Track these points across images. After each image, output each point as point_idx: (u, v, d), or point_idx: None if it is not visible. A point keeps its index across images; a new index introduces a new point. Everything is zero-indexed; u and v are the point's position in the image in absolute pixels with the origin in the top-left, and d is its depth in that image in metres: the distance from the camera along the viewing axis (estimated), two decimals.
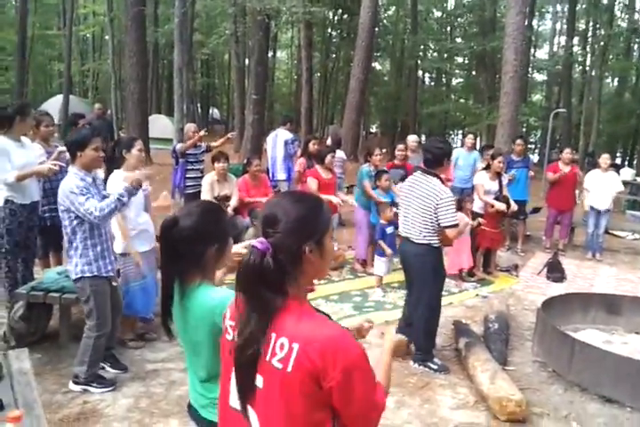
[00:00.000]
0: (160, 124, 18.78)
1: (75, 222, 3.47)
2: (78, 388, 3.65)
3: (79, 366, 3.65)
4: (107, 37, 31.39)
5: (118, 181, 3.94)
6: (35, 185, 4.71)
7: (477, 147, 13.27)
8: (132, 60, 12.92)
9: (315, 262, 1.38)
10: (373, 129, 42.64)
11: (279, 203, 1.41)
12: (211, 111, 35.15)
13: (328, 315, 1.43)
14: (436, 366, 4.29)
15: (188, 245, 1.77)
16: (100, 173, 4.75)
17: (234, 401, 1.42)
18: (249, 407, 1.37)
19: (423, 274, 4.24)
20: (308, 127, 18.98)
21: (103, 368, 3.88)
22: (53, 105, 19.41)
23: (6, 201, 4.50)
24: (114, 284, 3.76)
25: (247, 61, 23.12)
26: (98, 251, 3.56)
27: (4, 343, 4.08)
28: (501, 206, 6.65)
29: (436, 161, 4.22)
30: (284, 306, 1.33)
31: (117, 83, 17.66)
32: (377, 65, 31.86)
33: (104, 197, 3.58)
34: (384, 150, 7.38)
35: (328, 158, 6.36)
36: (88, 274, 3.54)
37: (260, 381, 1.34)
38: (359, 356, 1.31)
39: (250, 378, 1.34)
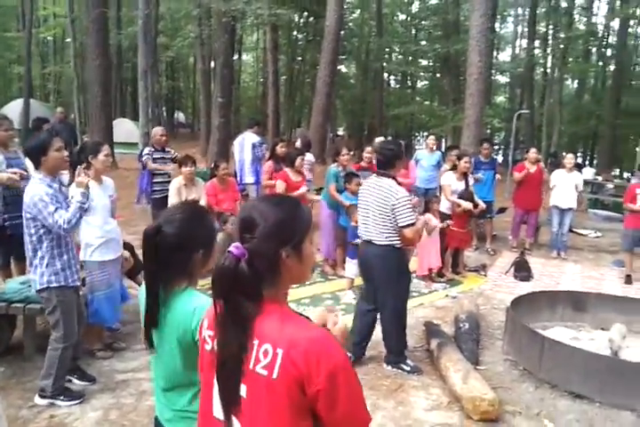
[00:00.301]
0: (124, 129, 18.49)
1: (41, 231, 3.36)
2: (44, 402, 3.54)
3: (45, 380, 3.54)
4: (68, 40, 30.88)
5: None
6: None
7: (442, 148, 13.43)
8: (95, 62, 12.68)
9: (293, 267, 1.35)
10: (340, 132, 42.82)
11: (256, 207, 1.38)
12: (176, 115, 34.80)
13: (308, 317, 1.41)
14: (408, 368, 4.30)
15: (173, 252, 1.73)
16: (66, 177, 4.65)
17: (217, 411, 1.38)
18: (233, 418, 1.33)
19: (387, 276, 4.23)
20: (275, 130, 18.95)
21: (70, 381, 3.77)
22: (13, 109, 18.91)
23: None
24: (80, 293, 3.66)
25: (212, 64, 23.01)
26: (65, 260, 3.46)
27: None
28: (468, 205, 6.73)
29: (388, 162, 4.24)
30: (261, 312, 1.30)
31: (80, 86, 17.31)
32: (343, 68, 32.01)
33: (68, 204, 3.48)
34: (351, 152, 7.38)
35: (298, 161, 6.35)
36: (55, 284, 3.43)
37: (243, 390, 1.30)
38: (343, 359, 1.28)
39: (235, 388, 1.30)
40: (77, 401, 3.58)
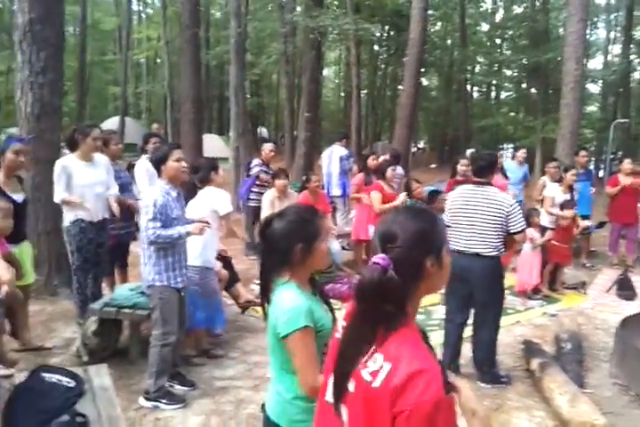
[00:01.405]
0: (212, 144, 19.14)
1: None
2: (149, 404, 3.66)
3: (148, 379, 3.69)
4: (158, 60, 32.54)
5: (206, 199, 4.05)
6: (102, 204, 4.80)
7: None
8: (187, 81, 13.21)
9: (433, 276, 1.37)
10: (421, 144, 42.39)
11: (396, 220, 1.40)
12: (259, 130, 35.68)
13: (432, 347, 1.39)
14: (505, 379, 4.20)
15: (276, 242, 1.87)
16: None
17: (329, 395, 1.44)
18: (342, 405, 1.38)
19: (491, 289, 4.12)
20: (357, 144, 18.99)
21: (172, 386, 3.88)
22: (110, 126, 20.08)
23: (76, 219, 4.62)
24: (182, 293, 3.77)
25: (297, 80, 23.49)
26: (169, 261, 3.62)
27: (77, 358, 4.15)
28: (569, 214, 6.44)
29: (486, 170, 4.16)
30: (399, 321, 1.31)
31: (172, 104, 18.15)
32: (424, 80, 31.77)
33: (181, 213, 3.66)
34: (433, 165, 7.24)
35: (389, 172, 6.28)
36: (158, 283, 3.61)
37: (352, 385, 1.34)
38: (433, 402, 1.20)
39: (344, 381, 1.35)
40: (180, 405, 3.68)
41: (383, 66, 31.88)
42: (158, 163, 3.63)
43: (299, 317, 1.77)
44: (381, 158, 7.96)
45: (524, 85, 29.64)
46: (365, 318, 1.33)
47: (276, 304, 1.84)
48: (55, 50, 5.73)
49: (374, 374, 1.27)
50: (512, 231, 3.99)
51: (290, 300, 1.82)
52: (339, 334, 1.47)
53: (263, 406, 1.98)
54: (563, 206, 6.57)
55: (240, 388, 3.98)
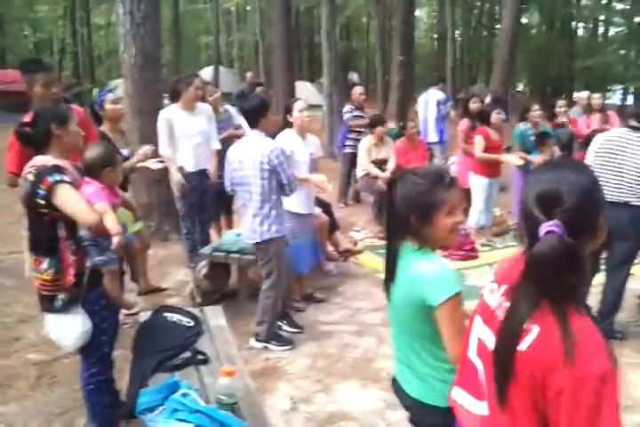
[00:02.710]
0: (304, 91, 19.04)
1: (273, 183, 3.60)
2: (259, 345, 3.83)
3: (260, 326, 3.84)
4: (248, 8, 32.37)
5: (289, 140, 4.12)
6: (203, 154, 4.89)
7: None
8: (278, 26, 13.10)
9: (600, 234, 1.26)
10: (520, 87, 40.08)
11: (557, 178, 1.24)
12: (349, 75, 35.08)
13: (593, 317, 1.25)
14: (620, 335, 4.05)
15: (394, 207, 1.73)
16: None
17: (472, 353, 1.41)
18: (478, 359, 1.36)
19: (636, 243, 3.91)
20: (453, 88, 18.23)
21: (280, 327, 4.03)
22: (204, 76, 20.38)
23: (178, 167, 4.76)
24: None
25: (387, 22, 22.62)
26: (281, 213, 3.75)
27: (191, 300, 4.39)
28: None
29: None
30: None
31: (263, 51, 18.13)
32: (524, 18, 29.63)
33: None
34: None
35: (494, 116, 5.90)
36: (277, 235, 3.69)
37: (491, 341, 1.30)
38: (600, 372, 1.11)
39: (512, 346, 1.22)
40: (288, 347, 3.82)
41: (479, 3, 29.99)
42: (256, 114, 3.68)
43: (451, 283, 1.66)
44: (487, 100, 7.58)
45: (637, 19, 26.98)
46: (539, 292, 1.19)
47: (414, 273, 1.69)
48: (153, 0, 5.80)
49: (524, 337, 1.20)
50: None
51: (435, 267, 1.69)
52: (489, 299, 1.39)
53: (394, 381, 1.91)
54: None
55: (344, 332, 4.06)
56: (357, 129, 7.39)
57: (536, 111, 6.14)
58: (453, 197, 1.71)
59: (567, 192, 1.19)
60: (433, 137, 8.13)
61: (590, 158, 4.00)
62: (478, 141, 5.71)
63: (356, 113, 7.51)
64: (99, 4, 27.44)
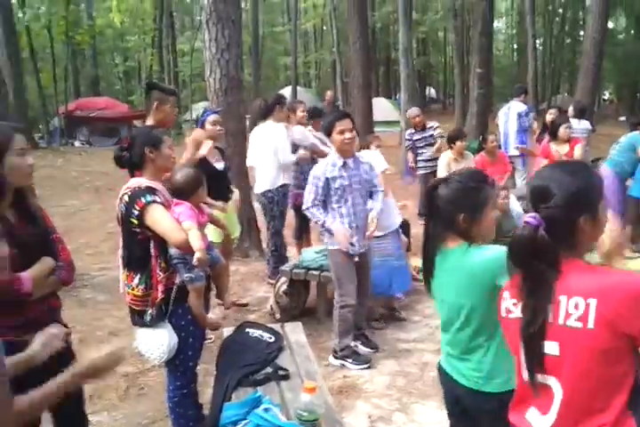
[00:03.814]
0: (381, 107, 19.12)
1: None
2: (337, 362, 3.84)
3: (335, 339, 3.86)
4: (324, 28, 32.98)
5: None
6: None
7: None
8: (355, 45, 13.22)
9: (589, 233, 1.39)
10: (607, 95, 38.31)
11: (551, 176, 1.42)
12: (427, 90, 34.85)
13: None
14: None
15: (440, 210, 1.86)
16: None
17: (526, 375, 1.44)
18: (550, 377, 1.39)
19: None
20: (535, 99, 17.72)
21: (356, 346, 4.01)
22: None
23: (282, 184, 4.97)
24: (355, 259, 3.77)
25: (465, 35, 22.38)
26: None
27: (270, 316, 4.48)
28: None
29: None
30: (560, 273, 1.35)
31: (341, 70, 18.37)
32: (610, 23, 28.38)
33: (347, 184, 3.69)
34: (623, 118, 6.40)
35: (561, 131, 5.75)
36: (330, 247, 3.74)
37: (554, 348, 1.35)
38: None
39: (539, 348, 1.37)
40: (365, 366, 3.80)
41: (561, 10, 29.06)
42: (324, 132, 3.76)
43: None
44: (570, 111, 7.34)
45: None
46: (531, 281, 1.38)
47: (479, 262, 1.77)
48: (236, 26, 6.05)
49: (583, 317, 1.29)
50: None
51: (493, 249, 1.78)
52: (513, 314, 1.48)
53: (443, 372, 1.99)
54: None
55: (423, 351, 4.01)
56: (424, 151, 7.48)
57: None
58: (495, 193, 1.92)
59: (555, 191, 1.37)
60: (514, 150, 7.93)
61: None
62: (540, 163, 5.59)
63: (417, 136, 7.60)
64: (183, 32, 28.90)
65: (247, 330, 2.93)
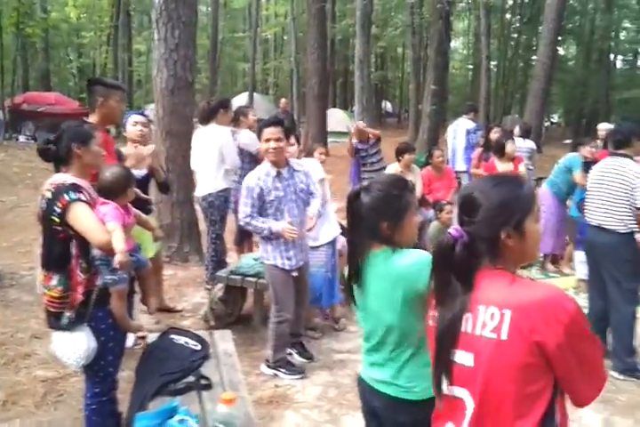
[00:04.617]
0: (336, 118, 19.22)
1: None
2: (269, 371, 3.76)
3: (269, 350, 3.77)
4: (285, 37, 33.08)
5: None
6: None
7: None
8: (313, 55, 13.29)
9: (514, 247, 1.35)
10: (555, 119, 39.72)
11: (477, 187, 1.41)
12: (383, 104, 35.28)
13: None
14: None
15: (362, 219, 1.83)
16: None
17: (444, 386, 1.42)
18: (463, 390, 1.36)
19: (620, 269, 3.85)
20: (486, 118, 18.17)
21: (291, 354, 3.95)
22: (239, 102, 20.78)
23: (225, 188, 4.87)
24: (293, 274, 3.68)
25: (423, 53, 22.80)
26: (275, 243, 3.58)
27: (205, 322, 4.36)
28: None
29: (622, 141, 3.91)
30: (473, 288, 1.34)
31: (298, 79, 18.40)
32: (561, 50, 29.52)
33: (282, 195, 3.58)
34: (568, 141, 6.68)
35: (509, 147, 5.91)
36: (266, 262, 3.65)
37: (469, 359, 1.33)
38: (575, 311, 1.27)
39: (448, 359, 1.36)
40: (298, 376, 3.74)
41: (515, 35, 30.02)
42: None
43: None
44: (516, 131, 7.52)
45: None
46: (444, 290, 1.38)
47: (400, 268, 1.76)
48: (188, 28, 5.95)
49: (497, 328, 1.27)
50: (637, 206, 3.70)
51: (415, 254, 1.79)
52: (432, 323, 1.47)
53: (365, 384, 1.95)
54: None
55: (357, 362, 3.94)
56: (369, 161, 6.90)
57: (592, 148, 6.06)
58: (415, 199, 1.93)
59: (480, 201, 1.37)
60: (461, 166, 8.08)
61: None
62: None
63: (361, 146, 6.84)
64: (140, 31, 28.42)
65: (172, 336, 2.82)
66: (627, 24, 27.38)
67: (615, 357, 3.91)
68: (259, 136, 3.62)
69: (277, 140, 3.46)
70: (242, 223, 3.59)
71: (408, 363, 1.82)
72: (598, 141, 6.55)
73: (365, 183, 1.90)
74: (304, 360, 3.97)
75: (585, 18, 28.31)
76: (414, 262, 1.76)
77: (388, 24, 23.66)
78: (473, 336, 1.31)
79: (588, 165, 5.82)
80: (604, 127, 7.50)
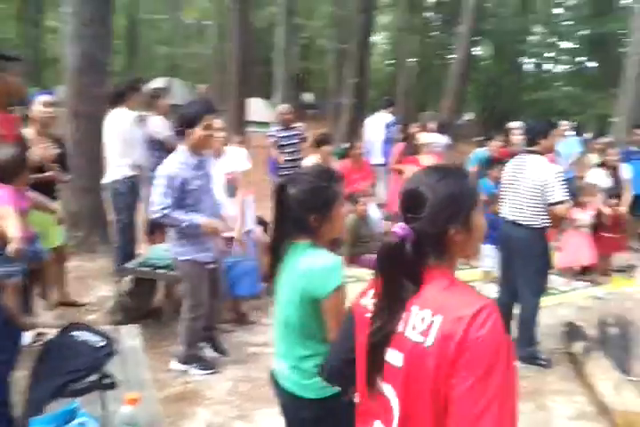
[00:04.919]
0: (257, 107, 18.97)
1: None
2: (180, 367, 3.64)
3: (180, 346, 3.65)
4: (208, 22, 32.26)
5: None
6: None
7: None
8: (234, 42, 13.01)
9: (461, 242, 1.30)
10: (467, 117, 41.22)
11: (422, 181, 1.31)
12: (306, 96, 35.22)
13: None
14: (544, 362, 4.09)
15: (290, 211, 1.79)
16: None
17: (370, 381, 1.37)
18: (391, 390, 1.30)
19: (530, 264, 4.01)
20: (405, 113, 18.56)
21: (203, 349, 3.84)
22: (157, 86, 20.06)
23: (128, 176, 4.61)
24: (211, 266, 3.57)
25: (345, 45, 22.90)
26: (192, 236, 3.41)
27: (111, 317, 4.16)
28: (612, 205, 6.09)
29: (535, 137, 4.07)
30: (419, 290, 1.27)
31: (218, 65, 18.00)
32: (478, 50, 30.64)
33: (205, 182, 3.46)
34: (480, 138, 7.00)
35: (423, 138, 6.11)
36: (180, 257, 3.44)
37: (399, 358, 1.27)
38: (501, 337, 1.17)
39: (380, 356, 1.31)
40: (210, 371, 3.65)
41: (435, 33, 30.82)
42: (186, 125, 3.30)
43: (337, 275, 1.73)
44: (432, 126, 7.69)
45: (581, 58, 28.35)
46: (389, 291, 1.30)
47: (303, 268, 1.74)
48: (102, 4, 5.63)
49: (425, 332, 1.21)
50: (549, 201, 3.86)
51: (321, 260, 1.75)
52: (369, 314, 1.38)
53: (275, 381, 1.92)
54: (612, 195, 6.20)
55: (271, 355, 3.90)
56: (288, 150, 7.00)
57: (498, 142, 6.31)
58: (343, 189, 1.87)
59: (427, 195, 1.27)
60: (377, 159, 8.14)
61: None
62: (409, 172, 5.83)
63: (283, 133, 7.07)
64: (54, 5, 26.79)
65: (72, 333, 2.65)
66: (538, 29, 28.73)
67: (518, 346, 4.09)
68: (183, 121, 3.34)
69: (220, 128, 3.40)
70: (158, 215, 3.29)
71: (307, 360, 1.79)
72: (514, 138, 6.85)
73: (292, 174, 1.87)
74: (217, 355, 3.88)
75: (500, 20, 29.48)
76: (319, 267, 1.73)
77: (312, 15, 23.61)
78: (403, 336, 1.27)
79: (494, 161, 6.09)
80: (514, 126, 7.85)
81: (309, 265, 1.74)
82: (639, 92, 10.13)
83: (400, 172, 6.64)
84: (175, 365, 3.66)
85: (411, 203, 1.30)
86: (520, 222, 4.01)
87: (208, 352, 3.86)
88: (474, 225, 1.31)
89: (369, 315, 1.38)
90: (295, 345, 1.81)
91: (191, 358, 3.64)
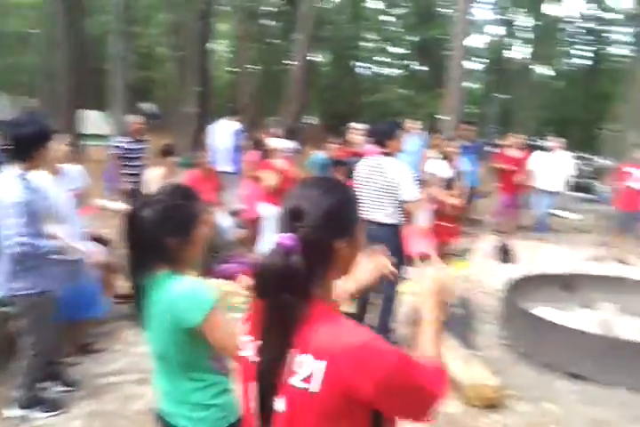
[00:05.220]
0: (91, 120, 17.89)
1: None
2: (19, 413, 3.21)
3: (20, 389, 3.23)
4: (31, 31, 29.92)
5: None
6: None
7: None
8: (63, 52, 12.19)
9: (345, 258, 1.23)
10: (311, 120, 42.40)
11: (305, 193, 1.23)
12: (146, 105, 33.99)
13: (355, 315, 1.28)
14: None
15: (146, 236, 1.63)
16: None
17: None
18: None
19: (393, 256, 4.14)
20: (249, 119, 18.63)
21: (46, 389, 3.44)
22: None
23: None
24: (59, 294, 3.22)
25: (185, 53, 22.42)
26: (43, 266, 3.06)
27: None
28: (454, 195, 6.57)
29: (381, 138, 4.24)
30: (308, 314, 1.15)
31: (47, 76, 16.70)
32: (317, 56, 31.66)
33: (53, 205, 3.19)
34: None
35: (272, 143, 6.17)
36: (24, 292, 3.03)
37: (281, 403, 1.15)
38: (392, 362, 1.12)
39: (269, 401, 1.17)
40: (57, 412, 3.29)
41: (275, 41, 31.32)
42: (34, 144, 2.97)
43: (204, 298, 1.61)
44: (278, 132, 7.78)
45: (411, 62, 30.42)
46: (274, 317, 1.15)
47: (169, 299, 1.61)
48: None
49: (309, 378, 1.11)
50: (403, 199, 4.10)
51: (186, 285, 1.62)
52: (246, 353, 1.26)
53: (160, 417, 1.77)
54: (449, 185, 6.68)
55: (124, 383, 3.65)
56: (131, 163, 6.64)
57: (334, 144, 6.49)
58: (204, 207, 1.73)
59: (310, 209, 1.17)
60: (224, 166, 8.03)
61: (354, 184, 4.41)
62: (269, 178, 5.93)
63: (133, 146, 6.68)
64: None
65: None
66: (368, 35, 30.38)
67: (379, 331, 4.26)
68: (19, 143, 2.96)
69: (59, 148, 3.19)
70: (19, 248, 2.85)
71: (196, 393, 1.67)
72: (355, 138, 7.11)
73: (142, 197, 1.71)
74: (67, 388, 3.51)
75: (336, 27, 30.71)
76: (184, 296, 1.61)
77: (149, 22, 22.80)
78: (285, 380, 1.14)
79: (337, 162, 6.31)
80: (354, 126, 8.20)
81: (174, 295, 1.61)
82: (463, 92, 11.10)
83: (257, 179, 6.55)
84: (12, 412, 3.22)
85: (295, 214, 1.19)
86: (377, 221, 4.16)
87: (53, 392, 3.47)
88: (357, 242, 1.26)
89: (246, 353, 1.27)
90: (179, 379, 1.68)
91: (32, 401, 3.24)
